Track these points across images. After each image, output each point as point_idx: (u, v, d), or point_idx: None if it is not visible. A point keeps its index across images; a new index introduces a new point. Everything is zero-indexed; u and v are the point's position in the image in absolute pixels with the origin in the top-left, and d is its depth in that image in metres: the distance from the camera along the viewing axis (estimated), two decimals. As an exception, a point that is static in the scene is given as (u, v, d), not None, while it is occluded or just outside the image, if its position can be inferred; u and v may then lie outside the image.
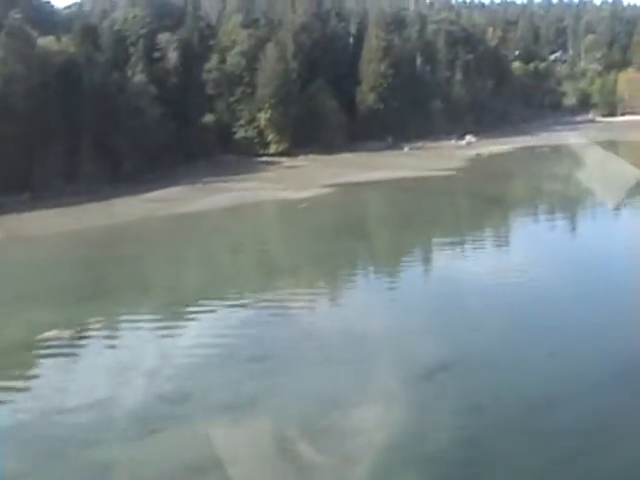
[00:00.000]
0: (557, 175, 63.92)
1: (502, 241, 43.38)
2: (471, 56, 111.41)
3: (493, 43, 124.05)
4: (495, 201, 54.03)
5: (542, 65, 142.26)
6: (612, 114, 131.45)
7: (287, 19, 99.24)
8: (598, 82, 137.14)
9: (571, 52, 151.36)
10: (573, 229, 46.77)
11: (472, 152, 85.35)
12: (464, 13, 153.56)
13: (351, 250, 41.13)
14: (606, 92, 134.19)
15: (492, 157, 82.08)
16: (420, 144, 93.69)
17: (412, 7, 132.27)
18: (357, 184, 65.69)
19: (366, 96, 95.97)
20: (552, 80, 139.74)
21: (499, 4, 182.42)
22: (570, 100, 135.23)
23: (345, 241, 42.27)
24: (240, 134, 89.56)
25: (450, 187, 60.64)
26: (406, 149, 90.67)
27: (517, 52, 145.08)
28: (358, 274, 38.33)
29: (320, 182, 66.92)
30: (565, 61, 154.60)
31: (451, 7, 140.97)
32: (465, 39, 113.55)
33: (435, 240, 43.85)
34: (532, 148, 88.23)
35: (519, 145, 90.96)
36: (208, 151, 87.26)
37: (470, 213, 50.36)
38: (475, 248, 40.87)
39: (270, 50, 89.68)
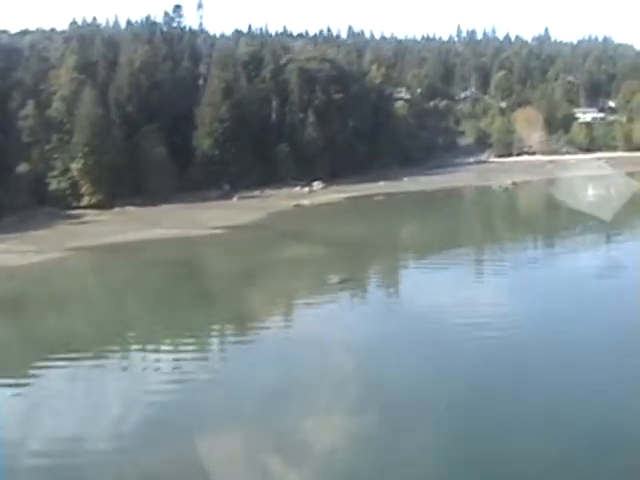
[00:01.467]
0: (342, 239, 55.73)
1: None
2: (340, 95, 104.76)
3: (377, 81, 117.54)
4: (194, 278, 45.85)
5: (443, 103, 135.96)
6: (509, 154, 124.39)
7: (125, 60, 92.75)
8: (498, 121, 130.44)
9: (473, 89, 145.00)
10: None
11: (299, 201, 78.10)
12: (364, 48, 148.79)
13: None
14: (504, 131, 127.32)
15: (313, 208, 74.86)
16: (257, 192, 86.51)
17: (296, 45, 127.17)
18: (109, 247, 58.54)
19: (202, 141, 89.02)
20: (451, 119, 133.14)
21: (415, 40, 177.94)
22: (468, 140, 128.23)
23: None
24: (54, 185, 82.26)
25: (184, 256, 52.94)
26: (235, 199, 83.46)
27: (419, 90, 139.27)
28: None
29: (73, 244, 59.85)
30: (478, 99, 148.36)
31: (336, 44, 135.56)
32: (336, 78, 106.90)
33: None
34: (370, 196, 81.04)
35: (362, 193, 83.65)
36: (21, 204, 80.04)
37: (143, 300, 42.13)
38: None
39: (87, 94, 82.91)
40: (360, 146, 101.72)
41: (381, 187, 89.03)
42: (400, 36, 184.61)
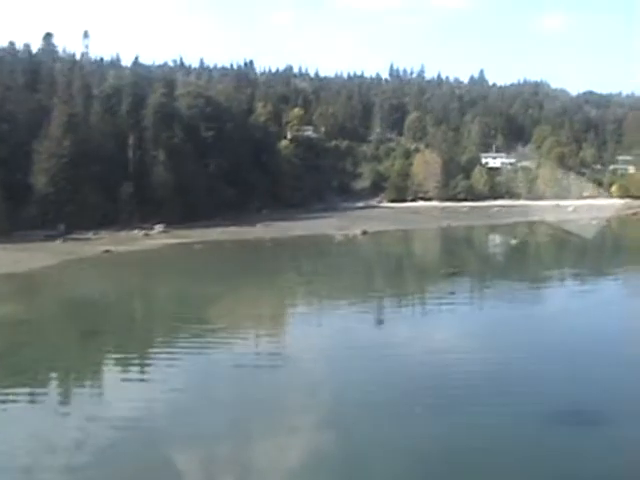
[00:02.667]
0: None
1: None
2: (211, 133, 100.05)
3: (262, 119, 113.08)
4: None
5: (344, 144, 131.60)
6: (402, 199, 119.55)
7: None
8: (398, 163, 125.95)
9: (378, 130, 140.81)
10: None
11: (112, 247, 72.33)
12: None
13: None
14: (402, 174, 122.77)
15: (120, 256, 68.71)
16: (90, 234, 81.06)
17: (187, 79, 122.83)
18: None
19: (38, 178, 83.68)
20: (350, 160, 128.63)
21: (339, 77, 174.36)
22: (364, 183, 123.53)
23: None
24: None
25: None
26: (58, 241, 77.86)
27: (324, 129, 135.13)
28: None
29: None
30: (391, 139, 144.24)
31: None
32: (210, 115, 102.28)
33: None
34: (192, 245, 75.52)
35: (195, 240, 78.06)
36: None
37: None
38: None
39: None
40: (227, 188, 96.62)
41: (221, 234, 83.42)
42: (329, 73, 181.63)
